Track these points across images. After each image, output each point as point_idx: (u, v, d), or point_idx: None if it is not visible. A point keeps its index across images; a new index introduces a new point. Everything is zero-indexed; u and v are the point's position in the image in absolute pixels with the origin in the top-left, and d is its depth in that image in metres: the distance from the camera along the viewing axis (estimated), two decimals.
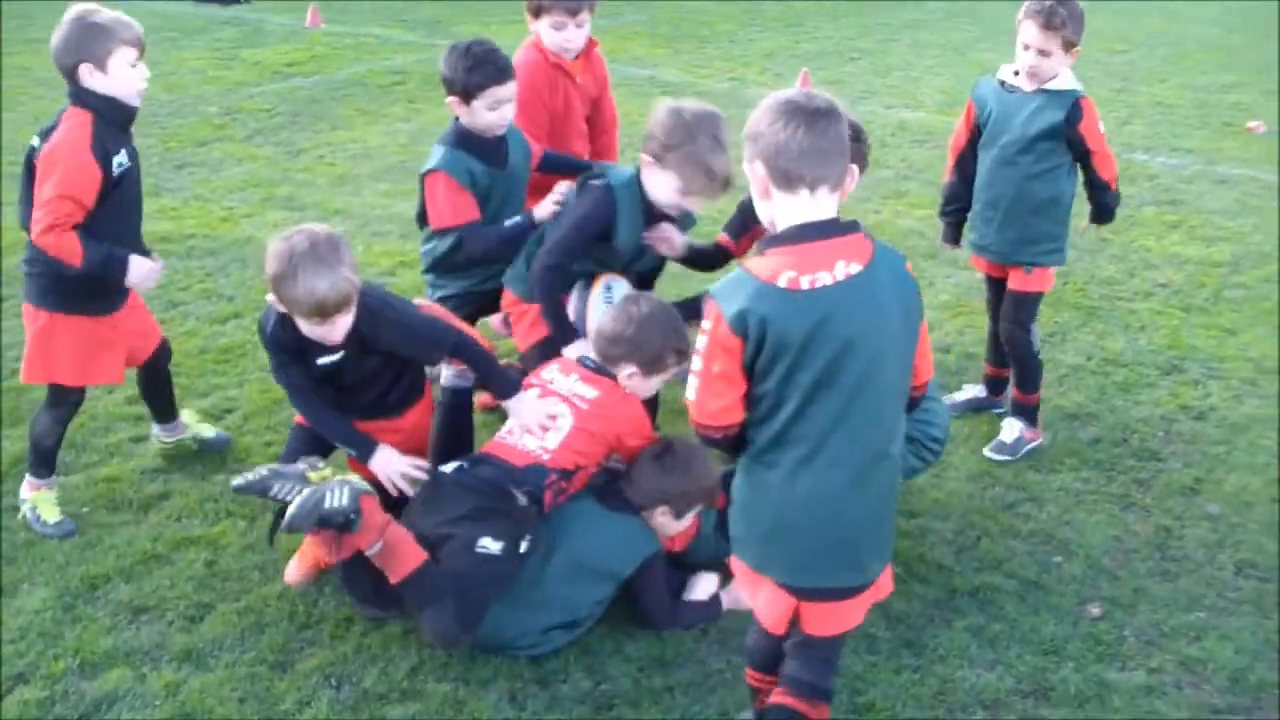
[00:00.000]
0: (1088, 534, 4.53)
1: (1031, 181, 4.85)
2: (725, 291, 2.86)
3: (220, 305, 6.26)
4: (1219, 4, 16.49)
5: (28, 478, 4.49)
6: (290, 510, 3.66)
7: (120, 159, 4.18)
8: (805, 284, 2.81)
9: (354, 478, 3.85)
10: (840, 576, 3.06)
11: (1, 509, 4.50)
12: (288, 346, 3.99)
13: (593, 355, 4.20)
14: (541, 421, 4.04)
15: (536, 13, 4.96)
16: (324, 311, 3.78)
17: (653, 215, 4.44)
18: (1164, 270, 7.08)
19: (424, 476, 4.03)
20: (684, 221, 4.60)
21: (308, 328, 3.87)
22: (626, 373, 4.13)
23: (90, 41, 4.06)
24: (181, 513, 4.50)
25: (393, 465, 4.02)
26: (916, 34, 14.10)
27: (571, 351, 4.31)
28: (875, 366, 2.88)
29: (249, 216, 7.53)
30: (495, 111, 4.54)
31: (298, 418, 4.24)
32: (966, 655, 3.88)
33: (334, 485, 3.71)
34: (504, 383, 4.15)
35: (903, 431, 3.08)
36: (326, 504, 3.64)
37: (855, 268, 2.84)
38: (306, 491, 3.69)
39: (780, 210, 2.90)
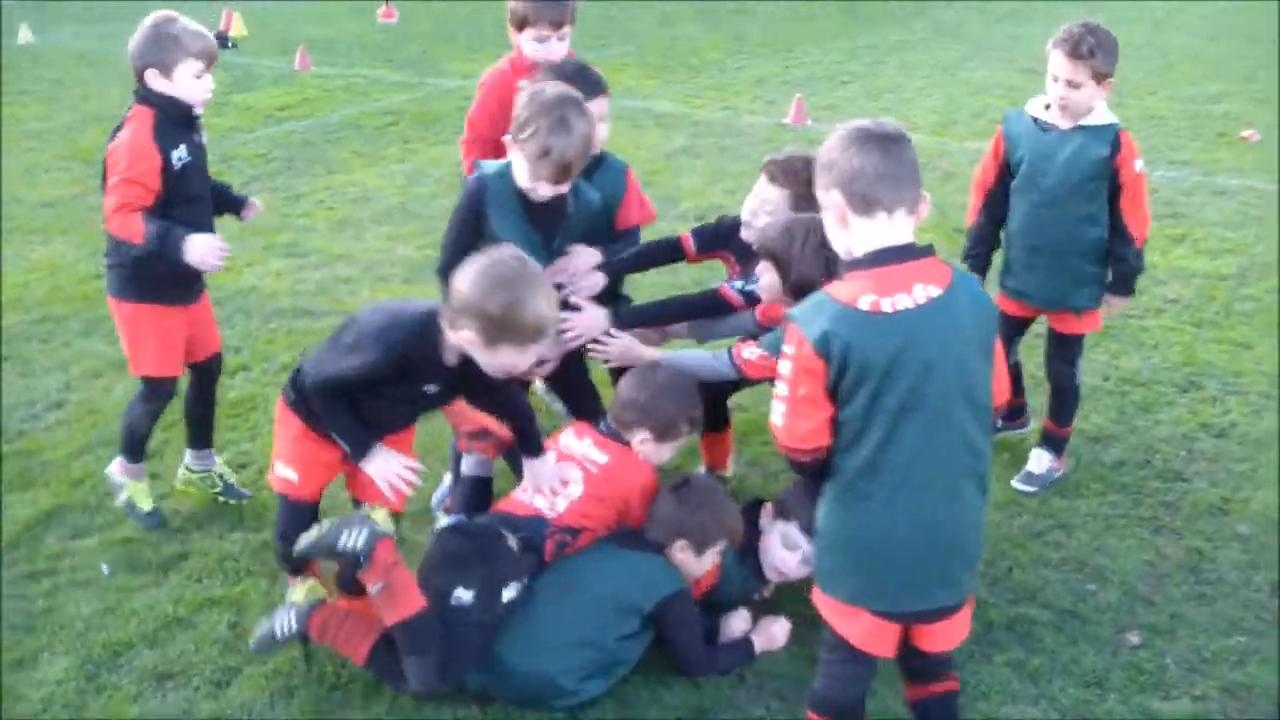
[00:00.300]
0: (1120, 560, 4.48)
1: (1080, 225, 4.66)
2: (806, 315, 2.89)
3: (227, 357, 6.15)
4: (1198, 12, 16.58)
5: (121, 462, 4.72)
6: (307, 536, 3.70)
7: (179, 153, 4.35)
8: (886, 307, 2.84)
9: (381, 517, 3.80)
10: (939, 597, 3.08)
11: (7, 580, 4.41)
12: (409, 367, 3.70)
13: None
14: (554, 485, 4.03)
15: (520, 25, 4.92)
16: (543, 335, 3.61)
17: (531, 205, 4.20)
18: (1172, 285, 7.06)
19: (418, 482, 3.90)
20: (582, 211, 4.38)
21: (498, 358, 3.59)
22: (639, 438, 4.15)
23: (159, 49, 4.29)
24: (202, 573, 4.43)
25: (390, 468, 3.83)
26: (904, 55, 14.15)
27: None
28: (958, 388, 2.90)
29: (250, 265, 7.48)
30: None
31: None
32: (1009, 691, 3.82)
33: (356, 522, 3.70)
34: (535, 440, 4.07)
35: (990, 450, 3.07)
36: (342, 542, 3.64)
37: (934, 290, 2.87)
38: (326, 524, 3.72)
39: (857, 236, 2.93)
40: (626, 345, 4.35)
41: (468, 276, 3.53)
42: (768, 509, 4.21)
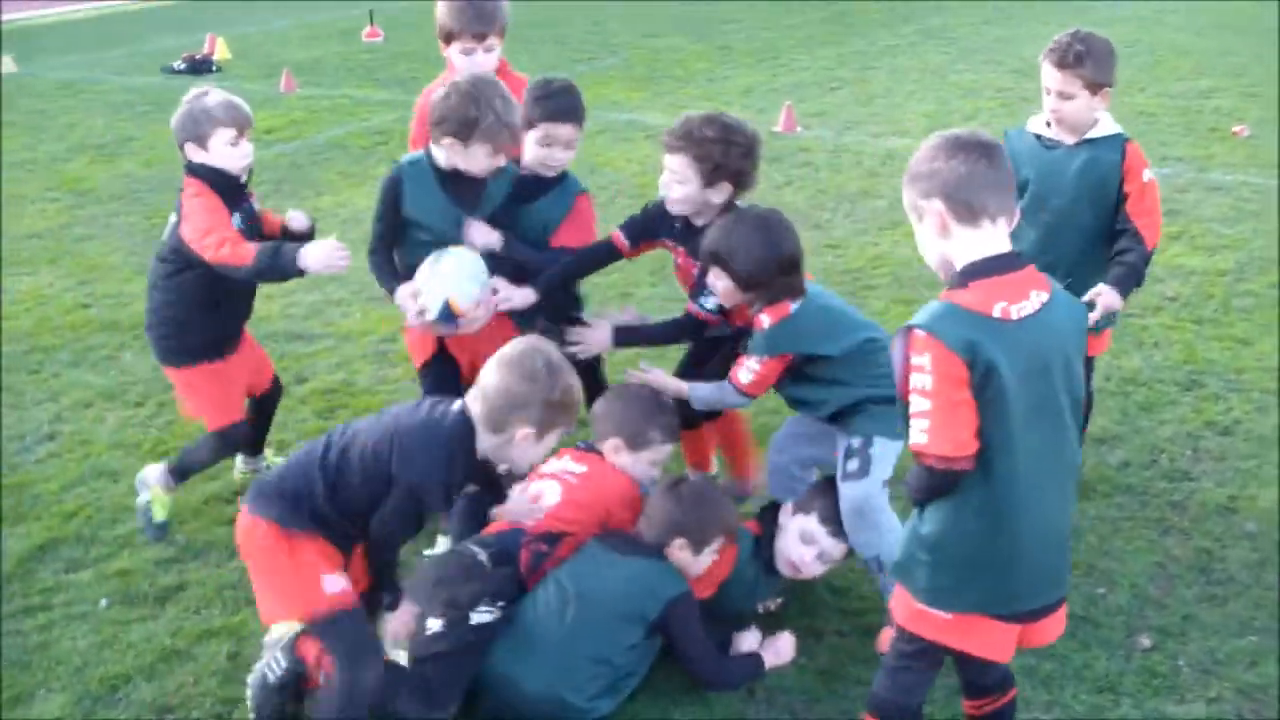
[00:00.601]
0: (1129, 562, 4.43)
1: (1096, 243, 4.49)
2: (938, 323, 2.85)
3: None
4: (1185, 9, 16.58)
5: (163, 474, 4.80)
6: (251, 704, 3.70)
7: (236, 220, 4.58)
8: (1015, 314, 2.86)
9: (283, 631, 3.78)
10: (1052, 593, 3.10)
11: (2, 615, 4.34)
12: (463, 478, 3.77)
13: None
14: (529, 509, 4.03)
15: (447, 39, 4.93)
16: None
17: (450, 183, 4.41)
18: (1170, 283, 7.02)
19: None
20: (498, 182, 4.50)
21: (543, 445, 3.73)
22: (612, 446, 4.21)
23: (193, 123, 4.55)
24: (199, 603, 4.36)
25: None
26: (894, 60, 14.12)
27: (400, 295, 4.36)
28: (1067, 390, 2.96)
29: None
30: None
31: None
32: (1021, 697, 3.73)
33: (269, 655, 3.72)
34: (500, 488, 4.09)
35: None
36: (273, 679, 3.65)
37: (1044, 296, 2.92)
38: (252, 682, 3.71)
39: (961, 245, 2.93)
40: (658, 376, 4.36)
41: (514, 375, 3.59)
42: (788, 505, 4.17)
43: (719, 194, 4.29)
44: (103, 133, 11.40)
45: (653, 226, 4.55)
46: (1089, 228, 4.50)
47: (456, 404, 3.68)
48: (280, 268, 4.38)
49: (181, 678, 3.98)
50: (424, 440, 3.60)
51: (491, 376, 3.62)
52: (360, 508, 3.64)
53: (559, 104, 4.54)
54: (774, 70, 13.73)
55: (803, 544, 4.06)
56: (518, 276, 4.45)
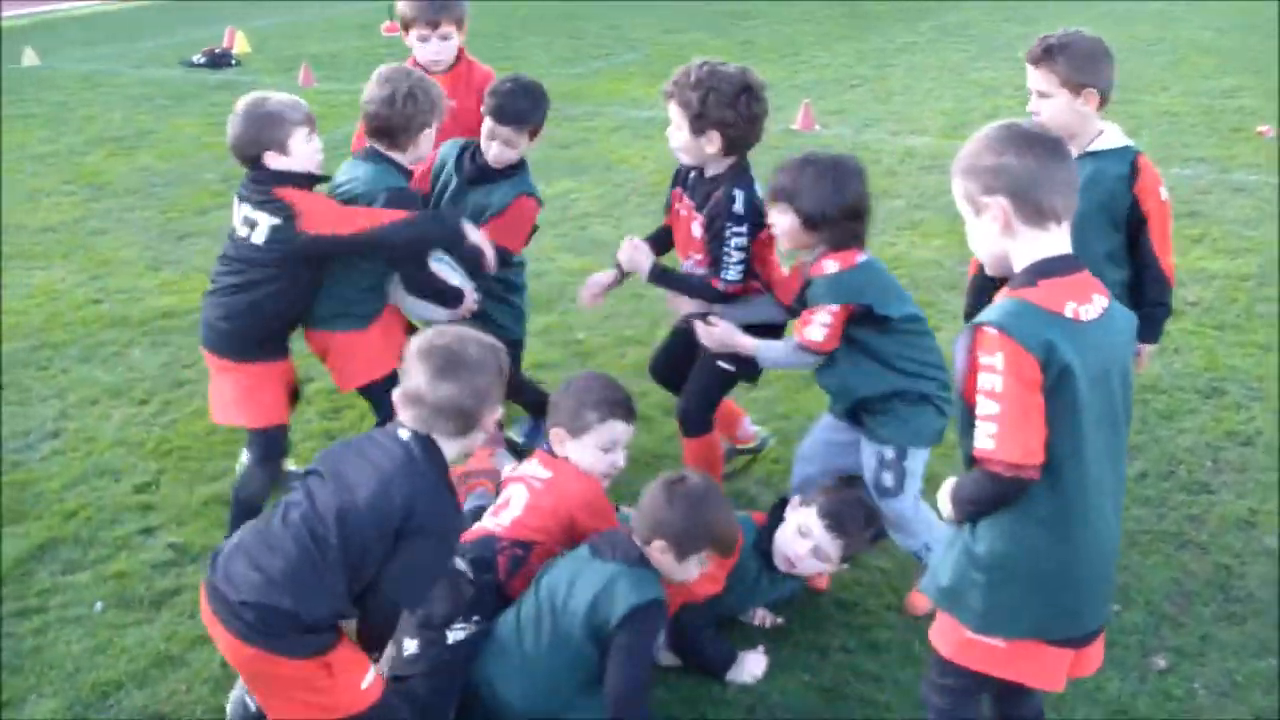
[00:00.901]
0: (1145, 578, 4.32)
1: (1102, 266, 3.83)
2: (1013, 321, 2.71)
3: None
4: (1207, 6, 16.37)
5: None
6: None
7: None
8: (1085, 315, 2.77)
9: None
10: (1105, 611, 3.01)
11: (2, 615, 4.29)
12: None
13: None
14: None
15: (405, 27, 5.19)
16: None
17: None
18: (1192, 288, 6.88)
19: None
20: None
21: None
22: (558, 439, 4.07)
23: (270, 129, 4.32)
24: (195, 609, 4.26)
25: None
26: (913, 57, 13.99)
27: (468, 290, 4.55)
28: (1124, 397, 2.87)
29: None
30: None
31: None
32: None
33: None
34: None
35: None
36: (254, 709, 3.57)
37: (1104, 301, 2.83)
38: (233, 699, 3.68)
39: (1024, 245, 2.81)
40: (726, 331, 4.28)
41: (468, 375, 3.27)
42: (795, 499, 4.07)
43: (710, 143, 4.25)
44: (121, 126, 11.38)
45: (676, 178, 4.61)
46: (1095, 249, 3.86)
47: (402, 433, 3.26)
48: (444, 228, 4.47)
49: (174, 684, 3.92)
50: (422, 479, 3.21)
51: (441, 388, 3.23)
52: (367, 579, 3.22)
53: (500, 103, 4.70)
54: (794, 66, 13.61)
55: (800, 537, 3.95)
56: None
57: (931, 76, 12.87)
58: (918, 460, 4.04)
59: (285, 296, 4.44)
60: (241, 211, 4.41)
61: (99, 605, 4.32)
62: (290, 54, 14.72)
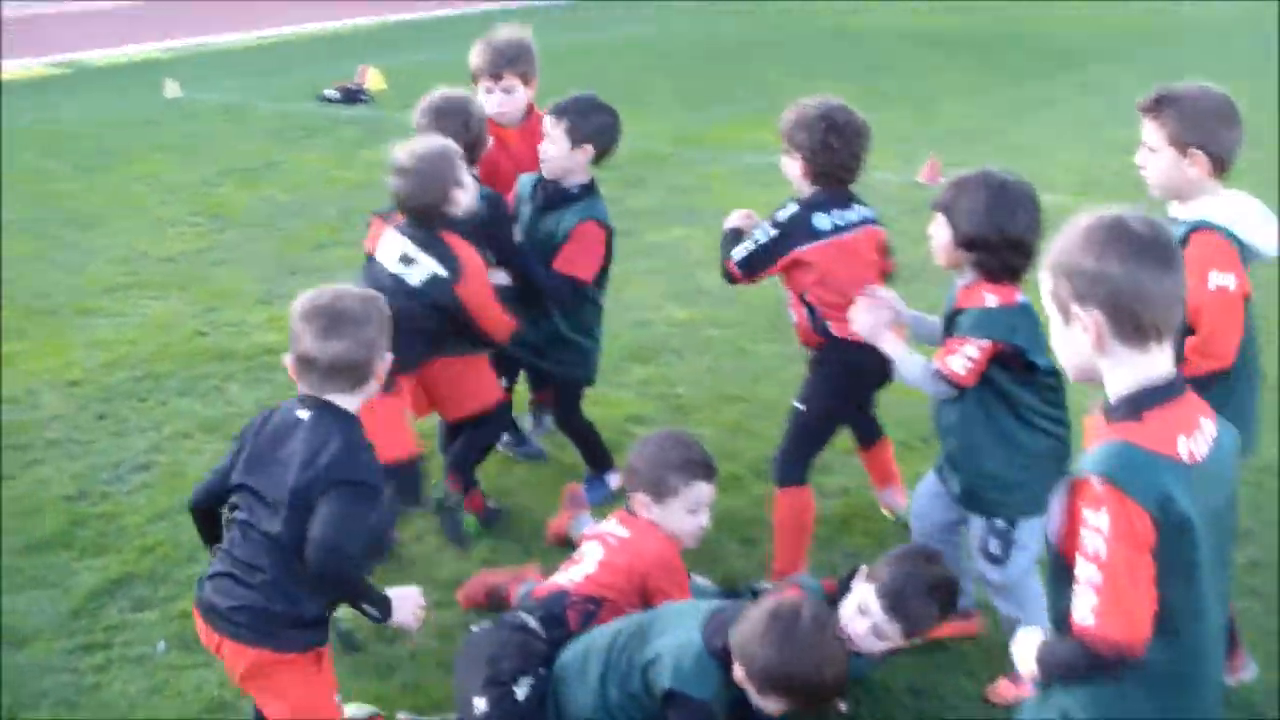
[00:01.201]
0: (1249, 684, 4.01)
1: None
2: (1121, 472, 2.39)
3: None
4: None
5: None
6: None
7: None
8: (1199, 452, 2.46)
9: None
10: None
11: (61, 650, 4.32)
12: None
13: None
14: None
15: (474, 78, 5.33)
16: None
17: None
18: None
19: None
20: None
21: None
22: (640, 503, 4.01)
23: (452, 168, 4.44)
24: None
25: (410, 607, 3.45)
26: (1049, 112, 13.61)
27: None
28: (1234, 521, 2.59)
29: None
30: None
31: None
32: None
33: None
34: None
35: None
36: None
37: (1211, 426, 2.53)
38: None
39: (1118, 365, 2.50)
40: (875, 324, 4.08)
41: (352, 329, 3.31)
42: (863, 570, 3.87)
43: (791, 166, 4.46)
44: (250, 158, 11.65)
45: None
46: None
47: (301, 414, 3.32)
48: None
49: None
50: (335, 440, 3.26)
51: (330, 347, 3.26)
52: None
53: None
54: (926, 118, 13.34)
55: (859, 614, 3.74)
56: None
57: (1066, 132, 12.49)
58: (1031, 531, 3.82)
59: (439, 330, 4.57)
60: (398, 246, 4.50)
61: (161, 645, 4.33)
62: (422, 92, 14.92)
